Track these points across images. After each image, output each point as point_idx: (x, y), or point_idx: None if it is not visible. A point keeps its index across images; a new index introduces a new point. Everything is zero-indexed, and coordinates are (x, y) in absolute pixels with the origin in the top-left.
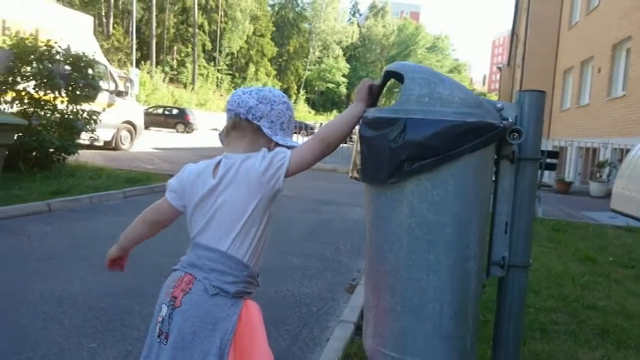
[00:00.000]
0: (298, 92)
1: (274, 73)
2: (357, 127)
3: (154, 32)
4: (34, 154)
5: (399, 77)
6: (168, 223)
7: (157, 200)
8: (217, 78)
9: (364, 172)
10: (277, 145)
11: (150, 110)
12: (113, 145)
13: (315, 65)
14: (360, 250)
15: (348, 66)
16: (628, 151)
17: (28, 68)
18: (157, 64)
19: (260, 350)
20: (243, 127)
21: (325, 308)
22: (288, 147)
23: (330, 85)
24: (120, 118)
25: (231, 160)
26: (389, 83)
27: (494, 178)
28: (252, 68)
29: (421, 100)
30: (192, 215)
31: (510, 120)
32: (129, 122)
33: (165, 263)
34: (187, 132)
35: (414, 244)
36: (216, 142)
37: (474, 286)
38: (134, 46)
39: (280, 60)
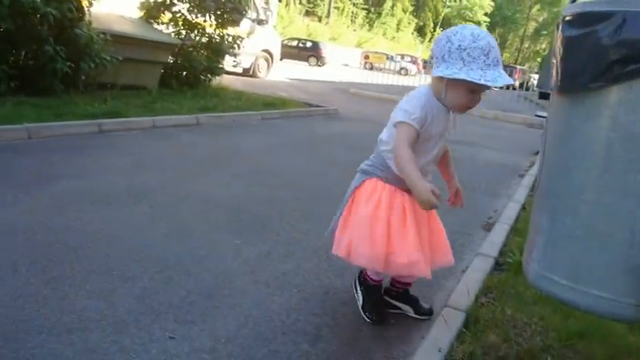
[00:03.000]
0: (434, 30)
1: (411, 9)
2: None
3: None
4: (184, 73)
5: None
6: None
7: (293, 123)
8: (352, 12)
9: (561, 77)
10: (437, 77)
11: (285, 42)
12: (251, 72)
13: (455, 2)
14: (496, 192)
15: (492, 3)
16: None
17: None
18: None
19: (353, 218)
20: None
21: (460, 241)
22: (444, 77)
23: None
24: (259, 46)
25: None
26: None
27: None
28: (388, 3)
29: None
30: None
31: None
32: (267, 51)
33: (301, 180)
34: (319, 65)
35: (610, 162)
36: (346, 77)
37: None
38: None
39: None
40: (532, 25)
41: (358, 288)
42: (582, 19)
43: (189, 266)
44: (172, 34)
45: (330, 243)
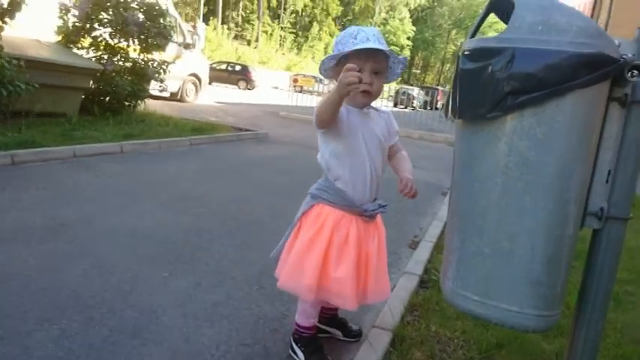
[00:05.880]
0: None
1: (338, 32)
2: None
3: None
4: (107, 99)
5: (502, 8)
6: None
7: (222, 148)
8: (280, 36)
9: (461, 107)
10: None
11: (214, 66)
12: (179, 96)
13: (379, 27)
14: (422, 210)
15: (414, 28)
16: None
17: (105, 15)
18: (223, 20)
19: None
20: None
21: (388, 260)
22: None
23: (394, 48)
24: (186, 70)
25: None
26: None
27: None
28: (315, 27)
29: (533, 29)
30: None
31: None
32: (194, 75)
33: (230, 207)
34: (249, 89)
35: (509, 184)
36: (276, 100)
37: (571, 232)
38: (202, 0)
39: (344, 20)
40: (451, 48)
41: (295, 347)
42: (478, 54)
43: (112, 303)
44: (93, 59)
45: (275, 265)
